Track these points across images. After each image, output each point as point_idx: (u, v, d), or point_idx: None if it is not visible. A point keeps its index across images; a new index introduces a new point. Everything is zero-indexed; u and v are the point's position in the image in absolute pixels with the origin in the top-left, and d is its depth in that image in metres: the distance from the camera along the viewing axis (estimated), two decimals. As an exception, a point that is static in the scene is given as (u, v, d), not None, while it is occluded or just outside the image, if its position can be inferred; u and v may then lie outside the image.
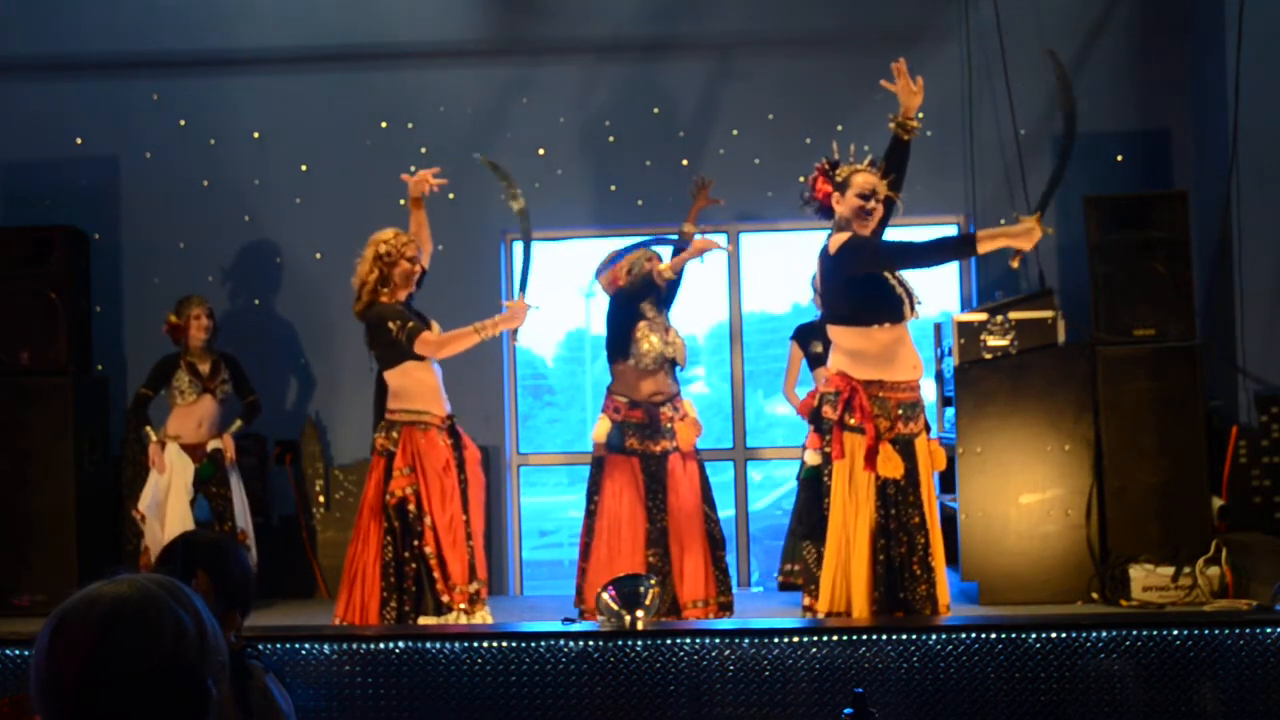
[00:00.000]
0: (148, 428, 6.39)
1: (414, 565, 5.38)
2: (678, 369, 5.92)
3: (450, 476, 5.49)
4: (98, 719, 1.52)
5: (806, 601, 5.01)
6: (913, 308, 4.88)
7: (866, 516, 4.75)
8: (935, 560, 4.81)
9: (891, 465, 4.75)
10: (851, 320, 4.86)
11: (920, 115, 4.92)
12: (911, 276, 4.93)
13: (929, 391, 7.05)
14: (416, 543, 5.37)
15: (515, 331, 5.60)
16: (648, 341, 5.75)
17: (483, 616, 5.45)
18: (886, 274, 4.83)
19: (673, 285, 5.98)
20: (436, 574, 5.35)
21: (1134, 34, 7.24)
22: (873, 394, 4.82)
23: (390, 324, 5.40)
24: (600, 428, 5.82)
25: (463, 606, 5.38)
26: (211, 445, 6.46)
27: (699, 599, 5.64)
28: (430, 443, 5.46)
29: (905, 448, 4.83)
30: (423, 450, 5.45)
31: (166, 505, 6.28)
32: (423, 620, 5.33)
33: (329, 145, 7.31)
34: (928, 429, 4.94)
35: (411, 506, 5.39)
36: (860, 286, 4.83)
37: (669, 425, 5.76)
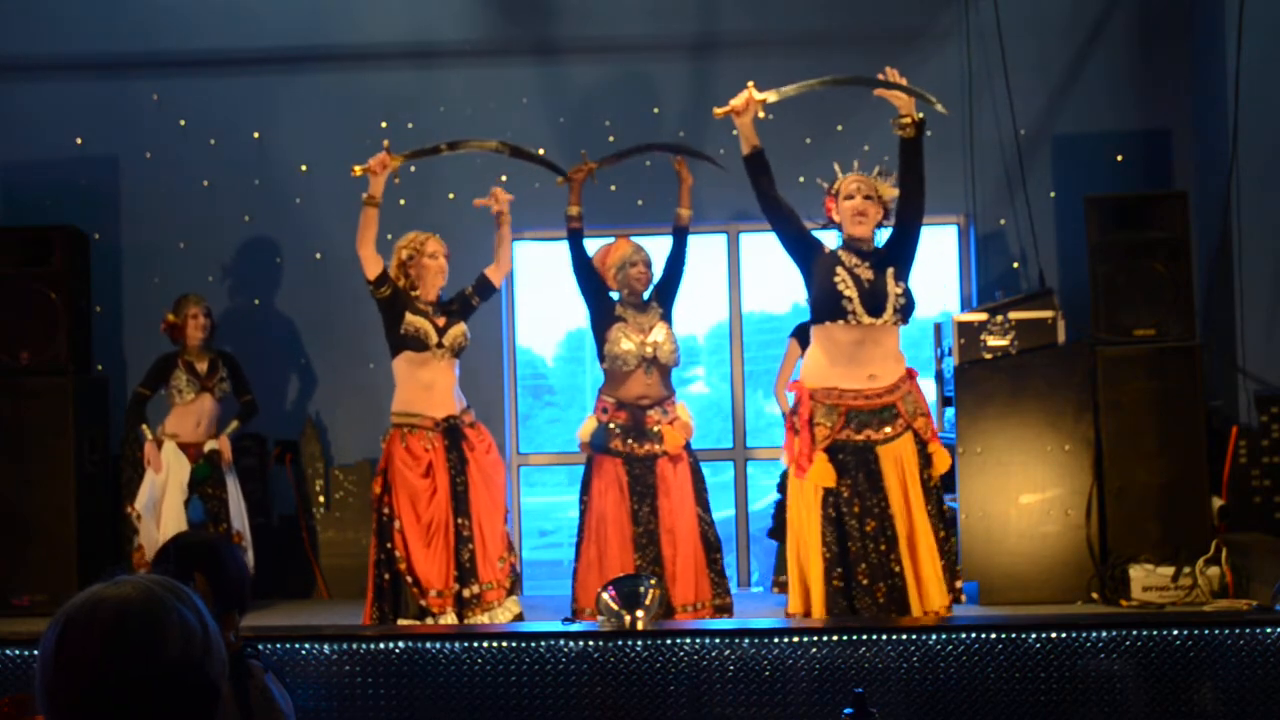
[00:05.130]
0: (144, 426, 6.40)
1: (389, 569, 5.51)
2: (673, 371, 5.88)
3: (432, 480, 5.52)
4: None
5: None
6: (875, 311, 4.84)
7: (815, 521, 4.78)
8: (916, 565, 4.75)
9: (823, 474, 4.77)
10: (813, 319, 4.97)
11: (905, 119, 4.92)
12: (898, 282, 4.91)
13: (929, 391, 7.05)
14: (389, 545, 5.50)
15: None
16: (621, 344, 5.72)
17: (493, 617, 5.48)
18: (839, 271, 4.85)
19: (674, 276, 5.95)
20: (408, 579, 5.42)
21: (1134, 34, 7.24)
22: (819, 401, 4.84)
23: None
24: (586, 427, 5.81)
25: (447, 610, 5.41)
26: (209, 446, 6.45)
27: (691, 603, 5.62)
28: (410, 445, 5.53)
29: (860, 455, 4.81)
30: (395, 453, 5.55)
31: (162, 504, 6.28)
32: (401, 624, 5.38)
33: (329, 145, 7.30)
34: (916, 433, 4.87)
35: (386, 509, 5.51)
36: (813, 285, 4.94)
37: (655, 429, 5.73)
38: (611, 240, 6.03)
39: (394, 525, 5.48)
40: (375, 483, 5.63)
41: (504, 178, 7.24)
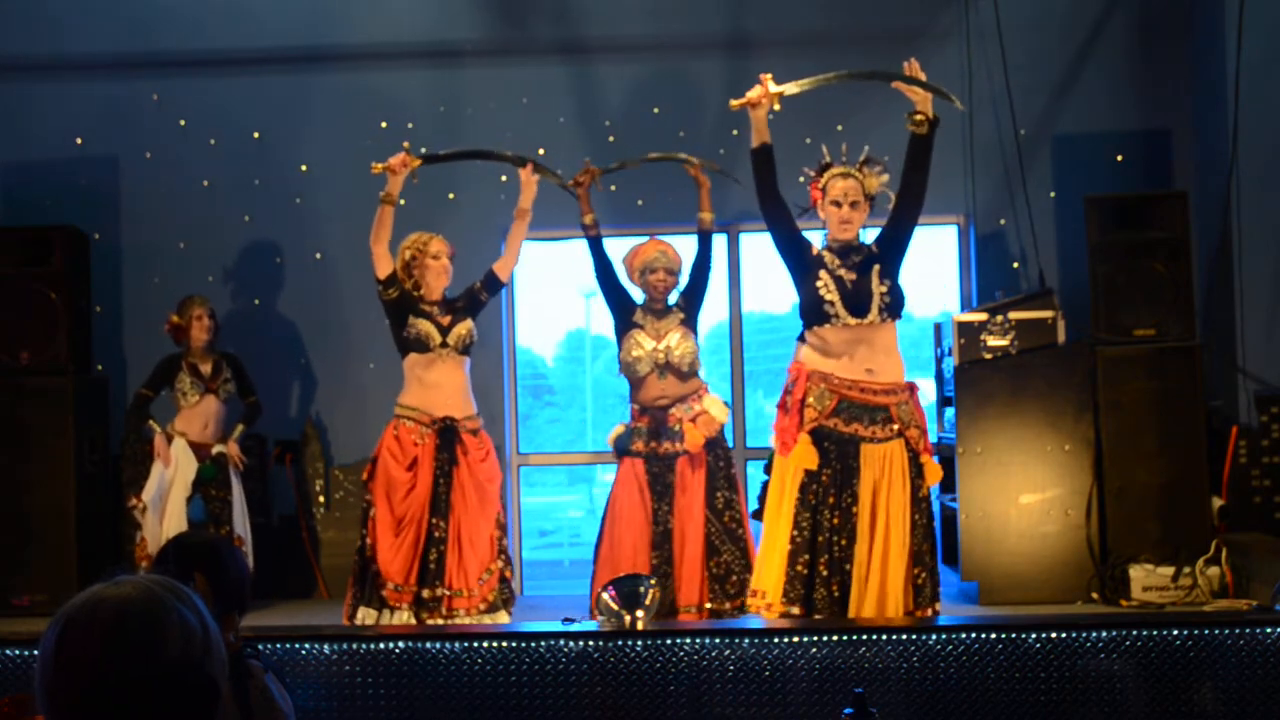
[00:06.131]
0: (151, 420, 6.39)
1: (359, 556, 5.58)
2: (697, 371, 5.88)
3: (414, 475, 5.53)
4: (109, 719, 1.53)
5: None
6: (859, 312, 4.83)
7: (791, 503, 4.79)
8: (880, 568, 4.73)
9: (806, 456, 4.76)
10: (803, 323, 4.99)
11: (920, 115, 4.92)
12: (883, 279, 4.89)
13: (929, 391, 7.05)
14: (364, 532, 5.56)
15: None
16: (632, 352, 5.76)
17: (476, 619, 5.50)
18: (822, 275, 4.85)
19: (700, 281, 5.95)
20: (373, 568, 5.45)
21: (1134, 34, 7.24)
22: (814, 382, 4.85)
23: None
24: (614, 431, 5.90)
25: (403, 606, 5.43)
26: (217, 450, 6.44)
27: (690, 604, 5.63)
28: (400, 436, 5.56)
29: (843, 447, 4.81)
30: (386, 442, 5.60)
31: (168, 499, 6.28)
32: (361, 611, 5.41)
33: (329, 145, 7.31)
34: (908, 442, 4.82)
35: (369, 496, 5.57)
36: (800, 288, 4.95)
37: (676, 427, 5.76)
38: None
39: (371, 512, 5.55)
40: (366, 469, 5.68)
41: (504, 178, 7.26)
